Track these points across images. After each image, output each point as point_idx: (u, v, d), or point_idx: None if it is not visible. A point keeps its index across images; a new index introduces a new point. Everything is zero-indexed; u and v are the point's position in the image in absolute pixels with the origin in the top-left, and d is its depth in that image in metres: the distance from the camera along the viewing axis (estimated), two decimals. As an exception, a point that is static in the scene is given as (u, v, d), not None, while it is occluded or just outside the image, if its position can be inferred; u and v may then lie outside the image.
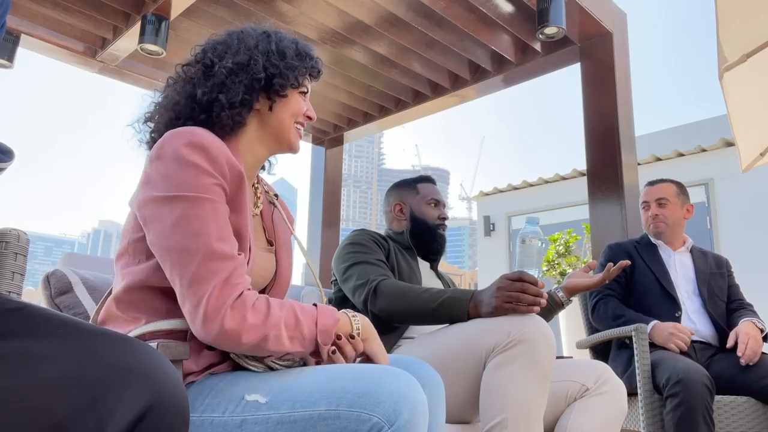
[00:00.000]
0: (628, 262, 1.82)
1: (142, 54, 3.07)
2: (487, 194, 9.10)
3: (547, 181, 8.21)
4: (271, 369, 1.01)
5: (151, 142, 1.15)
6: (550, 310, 1.74)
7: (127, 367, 0.68)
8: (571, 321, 4.26)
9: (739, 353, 2.08)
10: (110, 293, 1.10)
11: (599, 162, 3.12)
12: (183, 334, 0.99)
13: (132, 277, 1.02)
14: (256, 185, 1.24)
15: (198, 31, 3.27)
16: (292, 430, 0.87)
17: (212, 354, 1.02)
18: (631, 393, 2.06)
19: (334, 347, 1.01)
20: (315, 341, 0.98)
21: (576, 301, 2.56)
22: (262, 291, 1.21)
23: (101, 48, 3.41)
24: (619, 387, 1.54)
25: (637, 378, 2.03)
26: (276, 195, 1.32)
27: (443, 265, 12.51)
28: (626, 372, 2.17)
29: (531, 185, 8.45)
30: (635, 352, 2.05)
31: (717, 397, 1.99)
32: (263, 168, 1.30)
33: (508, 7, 3.11)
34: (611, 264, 1.78)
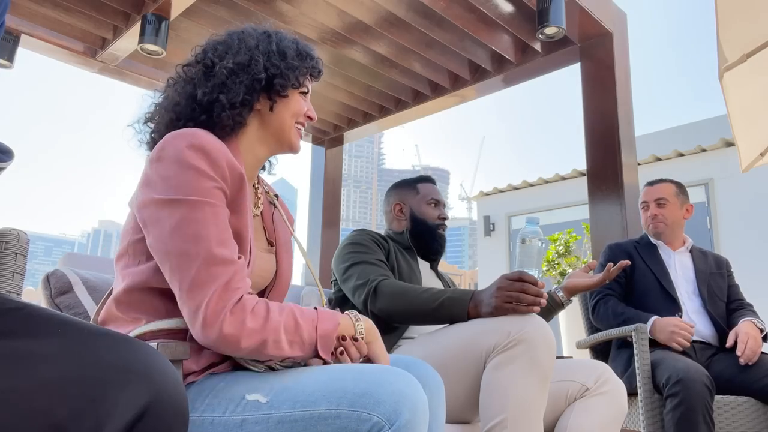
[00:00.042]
0: (628, 262, 1.82)
1: (142, 54, 3.07)
2: (487, 194, 9.10)
3: (547, 181, 8.21)
4: (272, 369, 1.01)
5: (152, 143, 1.15)
6: (550, 310, 1.74)
7: (127, 366, 0.68)
8: (571, 321, 4.26)
9: (738, 353, 2.08)
10: (110, 294, 1.10)
11: (599, 162, 3.12)
12: (183, 334, 0.99)
13: (132, 278, 1.02)
14: (256, 186, 1.24)
15: (198, 31, 3.27)
16: (292, 430, 0.87)
17: (212, 354, 1.02)
18: (631, 393, 2.06)
19: (341, 348, 1.01)
20: (315, 346, 0.98)
21: (576, 301, 2.55)
22: (263, 291, 1.21)
23: (101, 48, 3.41)
24: (619, 387, 1.54)
25: (637, 378, 2.03)
26: (276, 195, 1.32)
27: (443, 265, 12.51)
28: (626, 372, 2.17)
29: (531, 185, 8.45)
30: (635, 351, 2.05)
31: (717, 397, 1.99)
32: (263, 168, 1.30)
33: (508, 7, 3.11)
34: (611, 264, 1.78)
